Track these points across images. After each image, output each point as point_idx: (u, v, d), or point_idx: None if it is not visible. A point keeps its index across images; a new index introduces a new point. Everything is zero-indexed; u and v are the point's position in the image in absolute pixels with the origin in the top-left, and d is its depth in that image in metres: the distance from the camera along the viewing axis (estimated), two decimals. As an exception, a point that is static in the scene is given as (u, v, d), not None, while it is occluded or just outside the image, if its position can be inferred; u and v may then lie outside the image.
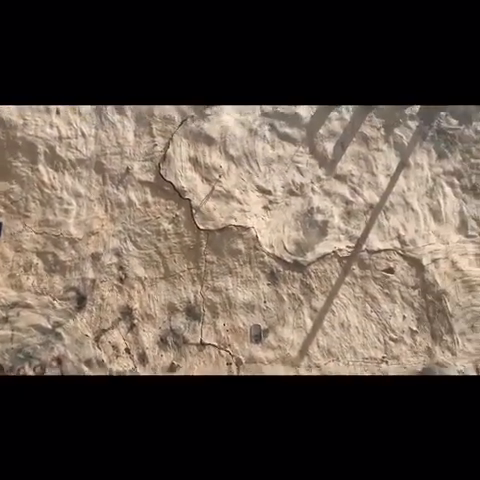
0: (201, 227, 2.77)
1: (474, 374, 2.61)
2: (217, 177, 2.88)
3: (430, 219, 2.97)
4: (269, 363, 2.58)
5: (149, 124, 2.92)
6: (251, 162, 2.95)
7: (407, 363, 2.65)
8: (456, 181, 3.06)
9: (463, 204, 3.02)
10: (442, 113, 3.20)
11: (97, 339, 2.52)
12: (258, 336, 2.60)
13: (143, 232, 2.73)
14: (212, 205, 2.82)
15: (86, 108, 2.90)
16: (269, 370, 2.55)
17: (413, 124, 3.16)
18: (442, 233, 2.94)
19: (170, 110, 2.97)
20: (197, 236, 2.75)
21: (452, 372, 2.60)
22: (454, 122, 3.19)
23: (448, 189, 3.04)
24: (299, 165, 2.99)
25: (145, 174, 2.83)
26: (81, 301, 2.57)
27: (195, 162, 2.90)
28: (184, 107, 2.99)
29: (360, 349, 2.65)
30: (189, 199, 2.81)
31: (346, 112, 3.14)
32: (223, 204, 2.83)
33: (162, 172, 2.84)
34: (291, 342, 2.63)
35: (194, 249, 2.73)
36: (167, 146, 2.89)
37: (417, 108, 3.19)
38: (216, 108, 3.00)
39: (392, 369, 2.62)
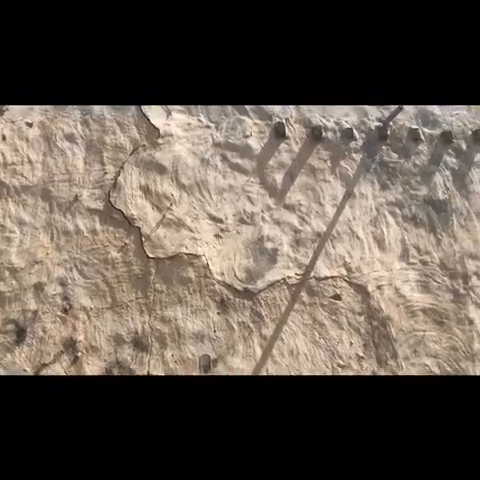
0: (150, 255, 2.72)
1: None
2: (168, 205, 2.87)
3: (374, 247, 3.08)
4: (218, 394, 2.52)
5: (100, 152, 2.89)
6: (203, 191, 2.97)
7: (354, 389, 2.67)
8: (398, 211, 3.21)
9: (404, 233, 3.16)
10: (384, 147, 3.38)
11: (36, 374, 2.38)
12: (207, 366, 2.54)
13: (90, 261, 2.64)
14: (162, 233, 2.79)
15: (34, 134, 2.83)
16: (218, 401, 2.49)
17: (357, 157, 3.31)
18: (386, 260, 3.05)
19: (122, 139, 2.96)
20: (146, 264, 2.70)
21: (397, 397, 2.64)
22: (394, 156, 3.38)
23: (391, 218, 3.18)
24: (250, 194, 3.04)
25: (94, 202, 2.77)
26: (21, 334, 2.43)
27: (146, 190, 2.88)
28: (136, 136, 2.99)
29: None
30: (139, 227, 2.77)
31: (295, 144, 3.25)
32: (174, 232, 2.81)
33: (112, 200, 2.79)
34: (240, 371, 2.59)
35: (143, 278, 2.67)
36: (118, 174, 2.86)
37: (361, 142, 3.36)
38: (168, 138, 3.03)
39: (340, 396, 2.63)
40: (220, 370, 2.57)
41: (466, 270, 3.11)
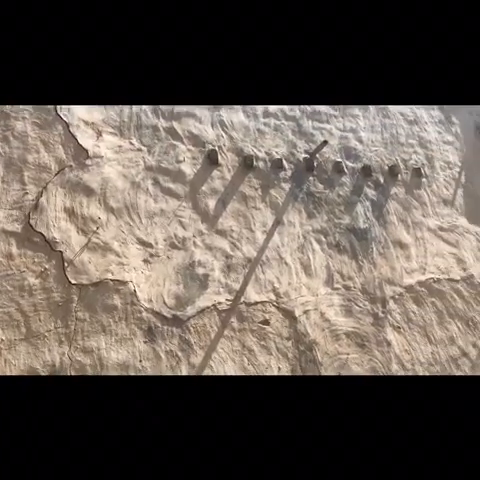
0: (73, 281, 2.55)
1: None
2: (94, 229, 2.73)
3: (301, 272, 3.17)
4: (142, 428, 2.38)
5: (20, 171, 2.70)
6: (132, 214, 2.88)
7: (282, 414, 2.68)
8: (323, 238, 3.36)
9: (329, 259, 3.30)
10: (310, 178, 3.55)
11: None
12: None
13: (3, 288, 2.41)
14: (87, 258, 2.64)
15: None
16: (142, 436, 2.35)
17: (286, 186, 3.44)
18: (312, 286, 3.16)
19: (46, 158, 2.79)
20: (68, 291, 2.52)
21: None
22: (320, 186, 3.56)
23: (316, 245, 3.32)
24: (182, 219, 3.00)
25: (11, 224, 2.55)
26: None
27: (71, 213, 2.73)
28: (63, 156, 2.85)
29: (237, 404, 2.61)
30: (61, 251, 2.60)
31: (227, 172, 3.30)
32: (99, 257, 2.67)
33: (32, 222, 2.60)
34: (167, 402, 2.47)
35: (63, 306, 2.49)
36: (40, 195, 2.68)
37: (290, 172, 3.50)
38: (97, 159, 2.92)
39: (268, 422, 2.62)
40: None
41: (384, 295, 3.31)
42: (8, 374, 2.26)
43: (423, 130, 4.29)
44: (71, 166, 2.83)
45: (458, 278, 3.62)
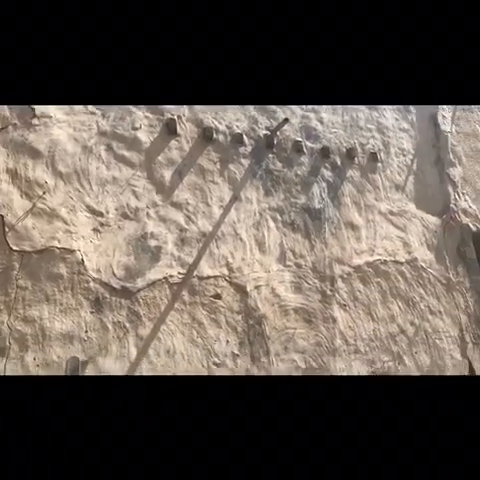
0: (15, 248, 2.41)
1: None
2: (40, 193, 2.58)
3: (255, 249, 3.19)
4: (85, 398, 2.34)
5: (-44, 125, 2.47)
6: (83, 181, 2.74)
7: (228, 386, 2.73)
8: (279, 216, 3.39)
9: (283, 237, 3.34)
10: (270, 156, 3.54)
11: None
12: (75, 369, 2.34)
13: None
14: (31, 223, 2.49)
15: None
16: (85, 406, 2.31)
17: (246, 162, 3.41)
18: (265, 262, 3.19)
19: (-13, 113, 2.57)
20: (9, 258, 2.38)
21: (267, 391, 2.78)
22: (279, 165, 3.56)
23: (272, 223, 3.34)
24: (135, 189, 2.90)
25: None
26: None
27: (14, 174, 2.55)
28: (6, 113, 2.63)
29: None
30: (2, 215, 2.43)
31: (185, 143, 3.21)
32: (45, 223, 2.53)
33: (-31, 182, 2.40)
34: (112, 373, 2.44)
35: (3, 273, 2.35)
36: (-21, 153, 2.48)
37: (250, 148, 3.46)
38: (45, 119, 2.72)
39: (214, 393, 2.67)
40: (90, 373, 2.39)
41: (333, 274, 3.42)
42: None
43: (382, 116, 4.37)
44: (15, 124, 2.62)
45: (403, 261, 3.80)
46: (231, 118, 3.47)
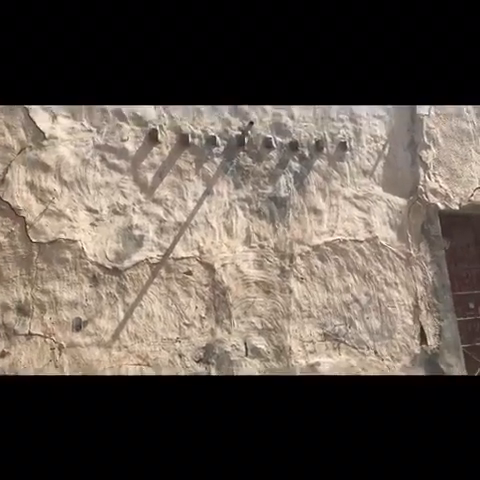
0: (34, 240, 3.28)
1: (243, 348, 3.57)
2: (51, 198, 3.41)
3: (224, 234, 3.85)
4: (86, 347, 3.24)
5: (-11, 151, 3.32)
6: (82, 186, 3.53)
7: (195, 341, 3.52)
8: (247, 206, 3.98)
9: (250, 223, 3.95)
10: (241, 153, 4.09)
11: None
12: (79, 326, 3.23)
13: (-20, 244, 3.16)
14: (45, 222, 3.34)
15: None
16: (86, 353, 3.21)
17: (218, 160, 4.00)
18: (232, 245, 3.85)
19: (10, 140, 3.40)
20: (30, 248, 3.26)
21: (227, 347, 3.53)
22: (249, 160, 4.11)
23: (240, 212, 3.95)
24: (123, 190, 3.64)
25: (-17, 195, 3.24)
26: None
27: (31, 185, 3.39)
28: (24, 137, 3.44)
29: (160, 333, 3.44)
30: (24, 217, 3.30)
31: (165, 148, 3.86)
32: (55, 221, 3.37)
33: (0, 193, 3.28)
34: (106, 330, 3.31)
35: (26, 259, 3.24)
36: (6, 171, 3.33)
37: (222, 148, 4.05)
38: (53, 140, 3.51)
39: (184, 346, 3.46)
40: (89, 329, 3.27)
41: (293, 252, 4.00)
42: (-12, 307, 3.07)
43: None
44: (31, 146, 3.44)
45: (363, 239, 4.26)
46: (206, 122, 4.05)
